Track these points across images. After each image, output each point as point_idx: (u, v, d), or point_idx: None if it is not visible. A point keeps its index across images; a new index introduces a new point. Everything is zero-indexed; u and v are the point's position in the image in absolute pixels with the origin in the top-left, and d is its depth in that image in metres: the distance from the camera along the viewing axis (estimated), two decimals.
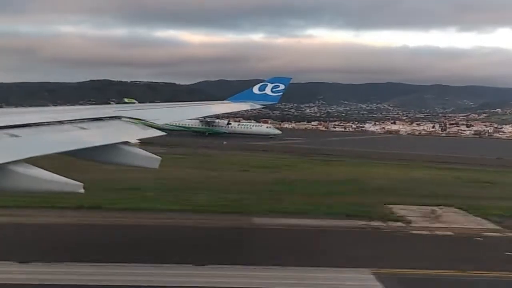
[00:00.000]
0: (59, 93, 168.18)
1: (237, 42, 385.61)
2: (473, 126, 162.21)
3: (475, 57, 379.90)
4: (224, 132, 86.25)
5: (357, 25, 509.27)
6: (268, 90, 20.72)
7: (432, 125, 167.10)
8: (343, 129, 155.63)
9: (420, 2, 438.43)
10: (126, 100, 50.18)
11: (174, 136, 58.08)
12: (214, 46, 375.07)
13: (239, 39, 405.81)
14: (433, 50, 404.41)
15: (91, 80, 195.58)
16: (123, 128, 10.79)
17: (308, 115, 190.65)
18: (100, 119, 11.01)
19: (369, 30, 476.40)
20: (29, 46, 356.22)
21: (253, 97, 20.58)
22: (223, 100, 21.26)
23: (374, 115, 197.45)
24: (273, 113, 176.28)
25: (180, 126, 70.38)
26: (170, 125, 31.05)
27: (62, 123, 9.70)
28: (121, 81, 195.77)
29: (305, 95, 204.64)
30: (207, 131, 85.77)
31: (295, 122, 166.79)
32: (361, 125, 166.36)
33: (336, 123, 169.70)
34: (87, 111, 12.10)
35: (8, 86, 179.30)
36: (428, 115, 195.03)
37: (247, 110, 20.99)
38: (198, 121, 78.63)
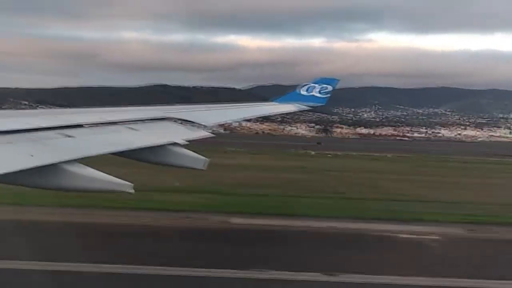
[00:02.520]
0: (121, 96, 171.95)
1: (295, 46, 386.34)
2: None
3: None
4: None
5: (421, 28, 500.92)
6: (315, 92, 20.50)
7: (508, 130, 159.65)
8: (423, 136, 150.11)
9: (486, 5, 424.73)
10: None
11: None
12: (272, 50, 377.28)
13: (298, 43, 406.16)
14: (494, 53, 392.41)
15: (154, 85, 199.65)
16: (171, 129, 10.94)
17: (365, 120, 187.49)
18: (149, 120, 11.21)
19: (432, 33, 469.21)
20: (91, 51, 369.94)
21: (300, 98, 20.41)
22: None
23: (433, 120, 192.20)
24: (332, 117, 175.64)
25: None
26: None
27: (113, 123, 9.93)
28: (183, 86, 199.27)
29: (359, 99, 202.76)
30: None
31: (354, 128, 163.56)
32: (436, 131, 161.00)
33: (408, 129, 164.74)
34: (137, 113, 12.33)
35: (70, 90, 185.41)
36: (490, 121, 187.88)
37: (294, 111, 20.84)
38: None
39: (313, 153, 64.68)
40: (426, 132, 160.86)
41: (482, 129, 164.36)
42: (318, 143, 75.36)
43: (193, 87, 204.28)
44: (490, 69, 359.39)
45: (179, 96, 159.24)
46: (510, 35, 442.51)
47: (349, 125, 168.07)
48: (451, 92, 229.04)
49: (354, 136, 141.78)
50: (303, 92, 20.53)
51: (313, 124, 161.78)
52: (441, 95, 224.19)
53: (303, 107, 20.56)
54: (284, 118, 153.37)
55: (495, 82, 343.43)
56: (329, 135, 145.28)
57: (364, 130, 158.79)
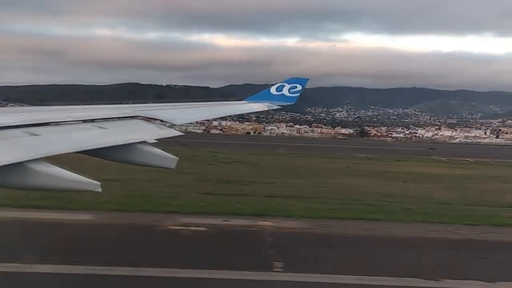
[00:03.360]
0: (93, 95, 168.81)
1: (269, 46, 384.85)
2: None
3: (506, 63, 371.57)
4: None
5: (395, 29, 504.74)
6: (285, 91, 20.68)
7: (481, 131, 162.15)
8: (401, 136, 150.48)
9: (461, 7, 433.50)
10: None
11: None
12: (246, 49, 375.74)
13: (272, 43, 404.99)
14: (465, 55, 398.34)
15: (126, 83, 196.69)
16: (140, 128, 10.92)
17: (338, 119, 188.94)
18: (118, 118, 11.16)
19: (405, 35, 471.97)
20: (63, 47, 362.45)
21: (271, 98, 20.57)
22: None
23: (405, 120, 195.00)
24: (305, 117, 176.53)
25: None
26: None
27: (81, 121, 9.87)
28: (156, 85, 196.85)
29: (332, 99, 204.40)
30: None
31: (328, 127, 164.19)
32: (413, 131, 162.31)
33: (383, 128, 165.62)
34: (106, 111, 12.24)
35: (40, 87, 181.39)
36: (460, 121, 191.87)
37: (265, 110, 20.97)
38: None
39: (445, 159, 55.58)
40: (403, 132, 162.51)
41: (455, 130, 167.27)
42: (430, 148, 68.89)
43: (167, 85, 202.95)
44: (460, 70, 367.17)
45: (152, 94, 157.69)
46: (481, 37, 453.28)
47: (325, 125, 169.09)
48: (422, 93, 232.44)
49: (342, 137, 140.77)
50: (274, 91, 20.70)
51: (291, 123, 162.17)
52: (411, 96, 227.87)
53: (273, 106, 20.72)
54: (260, 117, 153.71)
55: (464, 84, 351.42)
56: (365, 138, 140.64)
57: (344, 130, 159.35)
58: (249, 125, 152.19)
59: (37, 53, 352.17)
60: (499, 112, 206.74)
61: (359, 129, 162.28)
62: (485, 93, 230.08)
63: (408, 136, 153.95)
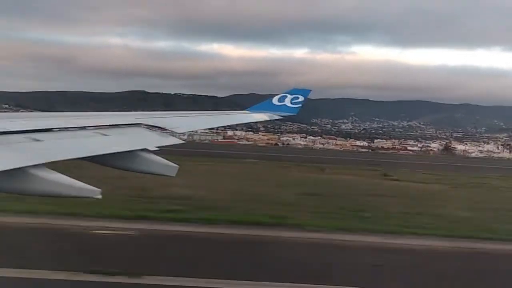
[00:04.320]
0: (101, 102, 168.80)
1: (277, 56, 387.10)
2: None
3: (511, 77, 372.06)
4: None
5: (403, 43, 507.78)
6: (287, 101, 20.71)
7: (493, 145, 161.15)
8: (415, 149, 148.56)
9: (470, 22, 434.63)
10: None
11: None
12: (253, 60, 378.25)
13: (280, 53, 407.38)
14: (470, 69, 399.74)
15: (133, 91, 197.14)
16: (142, 135, 10.97)
17: (345, 131, 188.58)
18: (121, 126, 11.21)
19: (414, 48, 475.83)
20: (74, 55, 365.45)
21: (273, 108, 20.60)
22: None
23: (411, 133, 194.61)
24: (312, 128, 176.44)
25: None
26: None
27: (84, 128, 9.92)
28: (164, 93, 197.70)
29: (336, 111, 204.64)
30: None
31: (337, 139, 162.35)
32: (426, 145, 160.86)
33: (397, 141, 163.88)
34: (109, 118, 12.32)
35: (50, 93, 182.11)
36: (466, 135, 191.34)
37: (266, 120, 20.98)
38: None
39: None
40: (416, 145, 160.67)
41: (465, 143, 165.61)
42: None
43: (175, 94, 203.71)
44: (464, 84, 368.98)
45: (159, 102, 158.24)
46: (489, 52, 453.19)
47: (332, 136, 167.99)
48: (425, 106, 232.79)
49: (364, 150, 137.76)
50: (276, 102, 20.72)
51: (304, 135, 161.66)
52: (415, 108, 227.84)
53: (275, 116, 20.72)
54: (268, 128, 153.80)
55: (468, 97, 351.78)
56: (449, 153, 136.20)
57: (358, 142, 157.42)
58: (264, 135, 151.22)
59: (47, 61, 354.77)
60: (503, 126, 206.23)
61: (444, 143, 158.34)
62: (489, 107, 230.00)
63: (423, 149, 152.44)
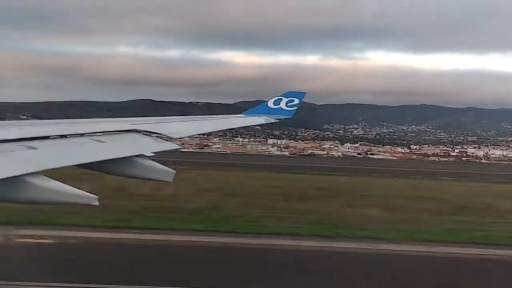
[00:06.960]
0: (108, 111, 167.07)
1: (289, 63, 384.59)
2: None
3: None
4: None
5: (417, 48, 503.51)
6: (282, 105, 20.74)
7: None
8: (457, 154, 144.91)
9: (482, 26, 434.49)
10: None
11: None
12: (264, 67, 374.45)
13: (292, 60, 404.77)
14: (480, 73, 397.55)
15: (141, 99, 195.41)
16: (138, 141, 10.97)
17: (358, 137, 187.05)
18: (116, 132, 11.22)
19: (428, 53, 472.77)
20: (82, 65, 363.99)
21: (268, 111, 20.63)
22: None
23: (425, 138, 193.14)
24: (326, 134, 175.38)
25: None
26: None
27: (80, 135, 9.93)
28: (179, 102, 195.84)
29: (345, 116, 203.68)
30: None
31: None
32: (463, 150, 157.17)
33: (416, 147, 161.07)
34: (105, 124, 12.33)
35: (57, 104, 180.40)
36: (480, 139, 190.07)
37: (262, 123, 21.01)
38: None
39: None
40: (453, 150, 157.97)
41: (493, 148, 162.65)
42: None
43: (189, 102, 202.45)
44: (472, 88, 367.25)
45: (175, 110, 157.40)
46: (503, 56, 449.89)
47: (349, 142, 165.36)
48: (431, 110, 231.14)
49: (418, 157, 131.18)
50: (271, 105, 20.76)
51: (337, 142, 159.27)
52: (421, 113, 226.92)
53: (271, 119, 20.75)
54: (284, 135, 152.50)
55: (473, 101, 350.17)
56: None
57: (399, 149, 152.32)
58: (306, 143, 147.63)
59: (55, 71, 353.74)
60: (511, 129, 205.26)
61: (480, 149, 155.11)
62: (495, 110, 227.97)
63: (459, 154, 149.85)
